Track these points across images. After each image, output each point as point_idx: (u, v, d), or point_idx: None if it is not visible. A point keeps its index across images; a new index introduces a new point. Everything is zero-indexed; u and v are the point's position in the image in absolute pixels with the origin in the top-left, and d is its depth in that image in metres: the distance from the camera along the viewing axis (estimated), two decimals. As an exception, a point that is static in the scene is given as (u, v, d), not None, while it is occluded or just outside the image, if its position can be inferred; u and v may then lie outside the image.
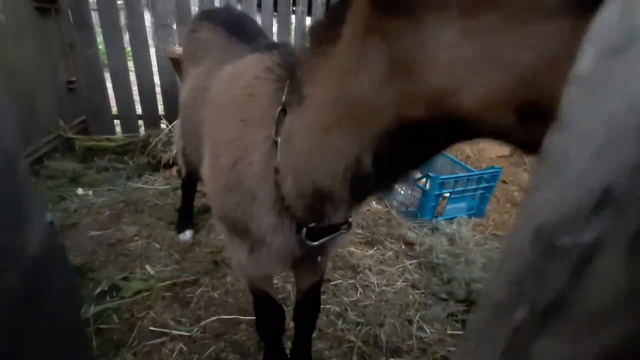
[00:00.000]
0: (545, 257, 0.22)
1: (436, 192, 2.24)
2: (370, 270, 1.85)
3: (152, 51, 3.10)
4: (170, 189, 2.42)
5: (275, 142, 0.76)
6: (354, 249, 1.98)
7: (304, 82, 0.70)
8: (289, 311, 1.27)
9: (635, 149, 0.17)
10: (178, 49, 2.44)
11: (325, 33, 0.66)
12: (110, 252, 1.82)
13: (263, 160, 0.79)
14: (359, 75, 0.57)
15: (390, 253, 1.99)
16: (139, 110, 3.23)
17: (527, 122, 0.41)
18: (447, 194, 2.32)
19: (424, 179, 2.36)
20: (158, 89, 3.19)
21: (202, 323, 1.47)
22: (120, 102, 3.15)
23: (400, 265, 1.90)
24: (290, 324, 1.31)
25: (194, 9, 3.23)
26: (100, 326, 1.42)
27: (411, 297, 1.71)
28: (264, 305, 1.13)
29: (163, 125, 3.11)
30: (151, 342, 1.38)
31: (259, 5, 3.28)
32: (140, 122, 3.27)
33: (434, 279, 1.84)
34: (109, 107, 3.18)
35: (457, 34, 0.43)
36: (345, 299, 1.66)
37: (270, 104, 0.79)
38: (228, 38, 1.33)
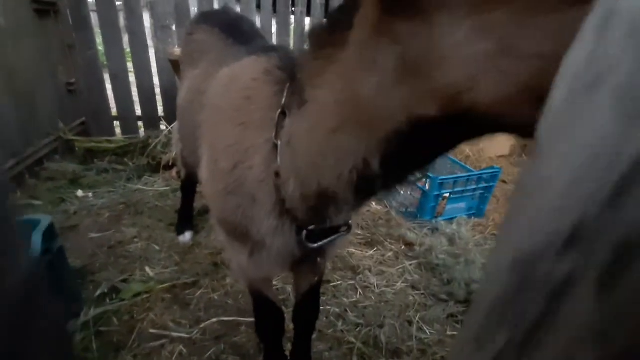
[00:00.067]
0: (520, 287, 0.22)
1: (436, 193, 2.24)
2: (370, 271, 1.85)
3: (152, 52, 3.10)
4: (170, 191, 2.42)
5: (275, 145, 0.76)
6: (353, 250, 1.98)
7: (305, 85, 0.70)
8: (288, 313, 1.27)
9: (604, 185, 0.17)
10: (177, 51, 2.44)
11: (328, 37, 0.66)
12: (110, 254, 1.83)
13: (263, 163, 0.79)
14: (368, 78, 0.57)
15: (390, 254, 1.99)
16: (138, 111, 3.23)
17: None
18: (447, 195, 2.32)
19: (424, 180, 2.36)
20: (157, 90, 3.20)
21: (202, 325, 1.47)
22: (119, 104, 3.16)
23: (400, 266, 1.90)
24: (290, 326, 1.31)
25: (193, 9, 3.23)
26: (100, 328, 1.42)
27: (411, 298, 1.71)
28: (264, 307, 1.14)
29: (163, 127, 3.11)
30: (151, 344, 1.38)
31: (258, 6, 3.28)
32: (140, 123, 3.27)
33: (433, 279, 1.84)
34: (108, 108, 3.18)
35: (470, 30, 0.43)
36: (345, 300, 1.66)
37: (270, 106, 0.79)
38: (225, 40, 1.33)
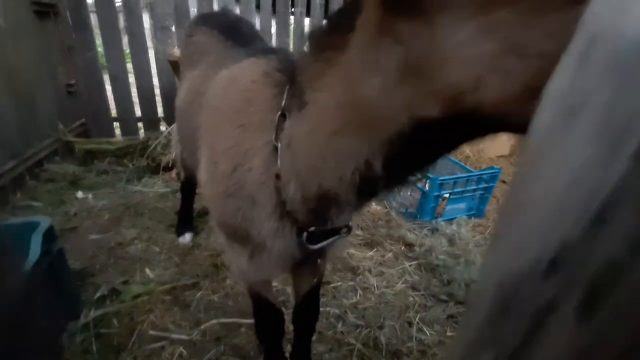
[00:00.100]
0: (505, 309, 0.22)
1: (435, 193, 2.24)
2: (369, 272, 1.85)
3: (151, 53, 3.10)
4: (170, 192, 2.42)
5: (276, 148, 0.76)
6: (353, 251, 1.98)
7: (305, 87, 0.70)
8: (288, 314, 1.27)
9: (585, 211, 0.17)
10: (177, 51, 2.44)
11: (328, 40, 0.66)
12: (110, 255, 1.83)
13: (263, 165, 0.80)
14: (371, 80, 0.57)
15: (389, 254, 1.99)
16: (138, 112, 3.23)
17: None
18: (447, 195, 2.32)
19: (424, 180, 2.36)
20: (157, 91, 3.20)
21: (202, 326, 1.47)
22: (119, 105, 3.16)
23: (400, 267, 1.90)
24: (289, 327, 1.31)
25: (193, 10, 3.23)
26: (100, 330, 1.42)
27: (411, 298, 1.71)
28: (264, 309, 1.13)
29: (162, 128, 3.11)
30: (151, 346, 1.38)
31: (258, 7, 3.28)
32: (140, 124, 3.27)
33: (433, 280, 1.84)
34: (108, 109, 3.18)
35: (474, 30, 0.43)
36: (345, 301, 1.66)
37: (270, 108, 0.79)
38: (224, 42, 1.33)
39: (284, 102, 0.76)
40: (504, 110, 0.44)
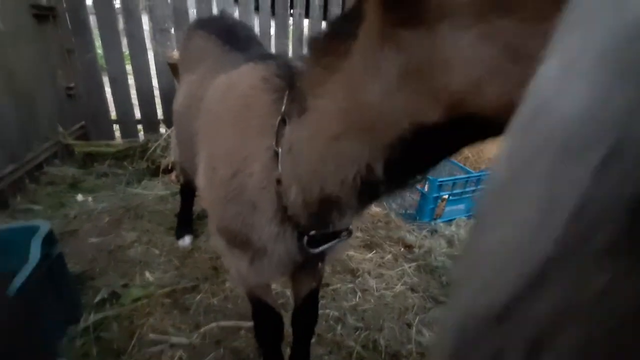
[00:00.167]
0: (459, 353, 0.22)
1: (435, 194, 2.24)
2: (369, 274, 1.85)
3: (151, 55, 3.11)
4: (170, 194, 2.43)
5: (276, 153, 0.76)
6: (353, 253, 1.98)
7: (306, 93, 0.70)
8: (287, 316, 1.27)
9: (525, 272, 0.18)
10: (176, 54, 2.45)
11: (330, 46, 0.67)
12: (110, 258, 1.83)
13: (264, 171, 0.80)
14: (373, 86, 0.58)
15: (389, 256, 1.99)
16: (138, 114, 3.23)
17: None
18: (446, 196, 2.32)
19: (423, 182, 2.36)
20: (157, 93, 3.20)
21: (202, 330, 1.48)
22: (119, 107, 3.16)
23: (399, 269, 1.90)
24: (289, 330, 1.31)
25: (192, 11, 3.23)
26: (100, 334, 1.42)
27: (410, 300, 1.71)
28: (263, 312, 1.14)
29: (162, 130, 3.11)
30: (151, 349, 1.38)
31: (257, 8, 3.29)
32: (140, 126, 3.27)
33: (433, 282, 1.84)
34: (107, 111, 3.18)
35: (474, 38, 0.44)
36: (344, 303, 1.66)
37: (269, 114, 0.79)
38: (222, 47, 1.33)
39: (283, 107, 0.76)
40: (504, 114, 0.45)
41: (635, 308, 0.15)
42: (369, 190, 0.69)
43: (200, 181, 0.99)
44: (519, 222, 0.20)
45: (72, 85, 2.96)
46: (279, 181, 0.77)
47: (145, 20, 3.08)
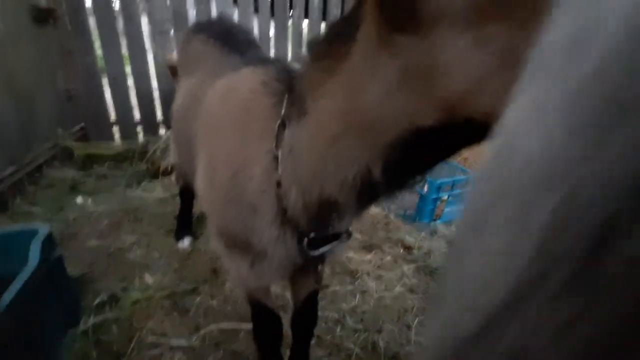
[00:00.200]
0: None
1: (434, 196, 2.25)
2: (368, 275, 1.85)
3: (150, 56, 3.11)
4: (169, 196, 2.43)
5: (276, 156, 0.77)
6: (352, 254, 1.98)
7: (306, 96, 0.71)
8: (287, 318, 1.27)
9: (495, 300, 0.19)
10: (175, 56, 2.44)
11: (329, 49, 0.68)
12: (109, 261, 1.83)
13: (264, 174, 0.80)
14: (371, 89, 0.58)
15: (388, 257, 1.99)
16: (137, 116, 3.23)
17: None
18: (445, 197, 2.32)
19: (422, 183, 2.36)
20: (156, 94, 3.20)
21: (201, 332, 1.48)
22: (118, 108, 3.16)
23: (399, 270, 1.90)
24: (288, 332, 1.31)
25: (192, 13, 3.23)
26: (100, 337, 1.42)
27: (409, 302, 1.71)
28: (262, 315, 1.14)
29: (162, 131, 3.11)
30: (150, 352, 1.39)
31: (256, 10, 3.29)
32: (139, 128, 3.27)
33: (432, 283, 1.84)
34: (107, 113, 3.18)
35: (470, 43, 0.45)
36: (343, 305, 1.66)
37: (269, 117, 0.79)
38: (220, 50, 1.34)
39: (283, 110, 0.77)
40: (501, 114, 0.45)
41: (601, 337, 0.16)
42: (369, 191, 0.69)
43: (200, 184, 0.99)
44: (486, 256, 0.20)
45: (71, 86, 2.96)
46: (279, 184, 0.78)
47: (144, 21, 3.08)
